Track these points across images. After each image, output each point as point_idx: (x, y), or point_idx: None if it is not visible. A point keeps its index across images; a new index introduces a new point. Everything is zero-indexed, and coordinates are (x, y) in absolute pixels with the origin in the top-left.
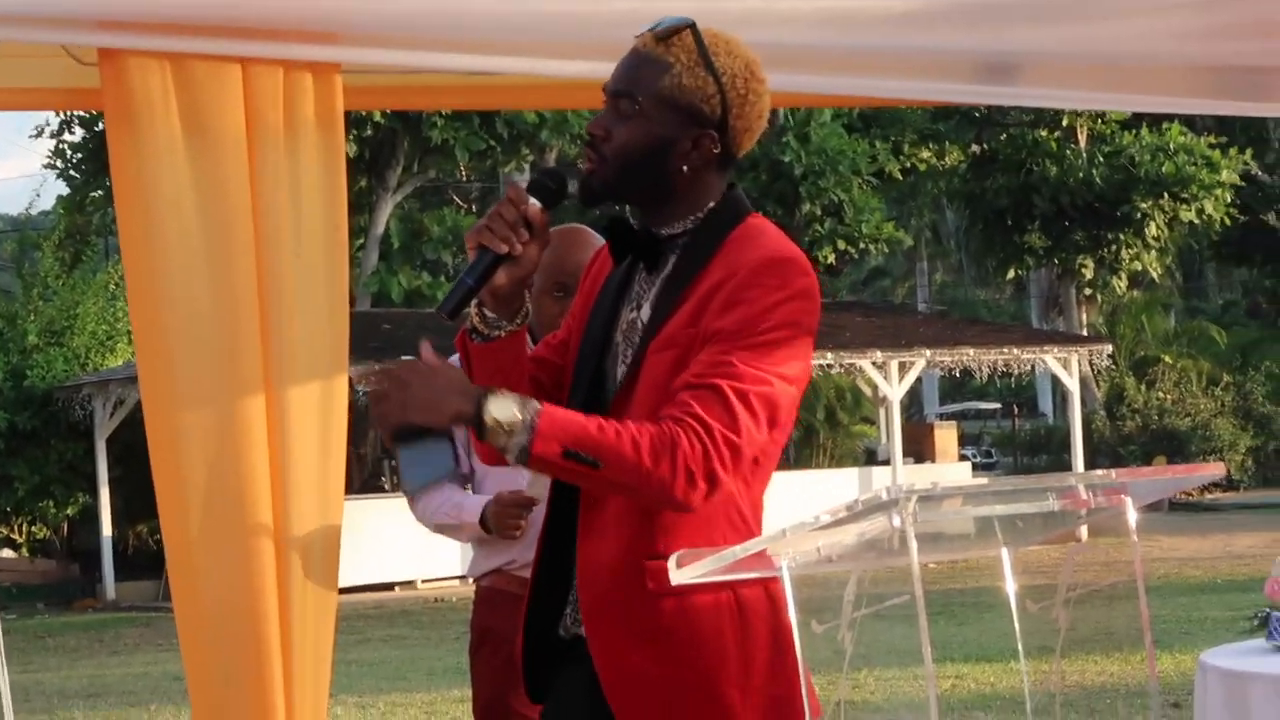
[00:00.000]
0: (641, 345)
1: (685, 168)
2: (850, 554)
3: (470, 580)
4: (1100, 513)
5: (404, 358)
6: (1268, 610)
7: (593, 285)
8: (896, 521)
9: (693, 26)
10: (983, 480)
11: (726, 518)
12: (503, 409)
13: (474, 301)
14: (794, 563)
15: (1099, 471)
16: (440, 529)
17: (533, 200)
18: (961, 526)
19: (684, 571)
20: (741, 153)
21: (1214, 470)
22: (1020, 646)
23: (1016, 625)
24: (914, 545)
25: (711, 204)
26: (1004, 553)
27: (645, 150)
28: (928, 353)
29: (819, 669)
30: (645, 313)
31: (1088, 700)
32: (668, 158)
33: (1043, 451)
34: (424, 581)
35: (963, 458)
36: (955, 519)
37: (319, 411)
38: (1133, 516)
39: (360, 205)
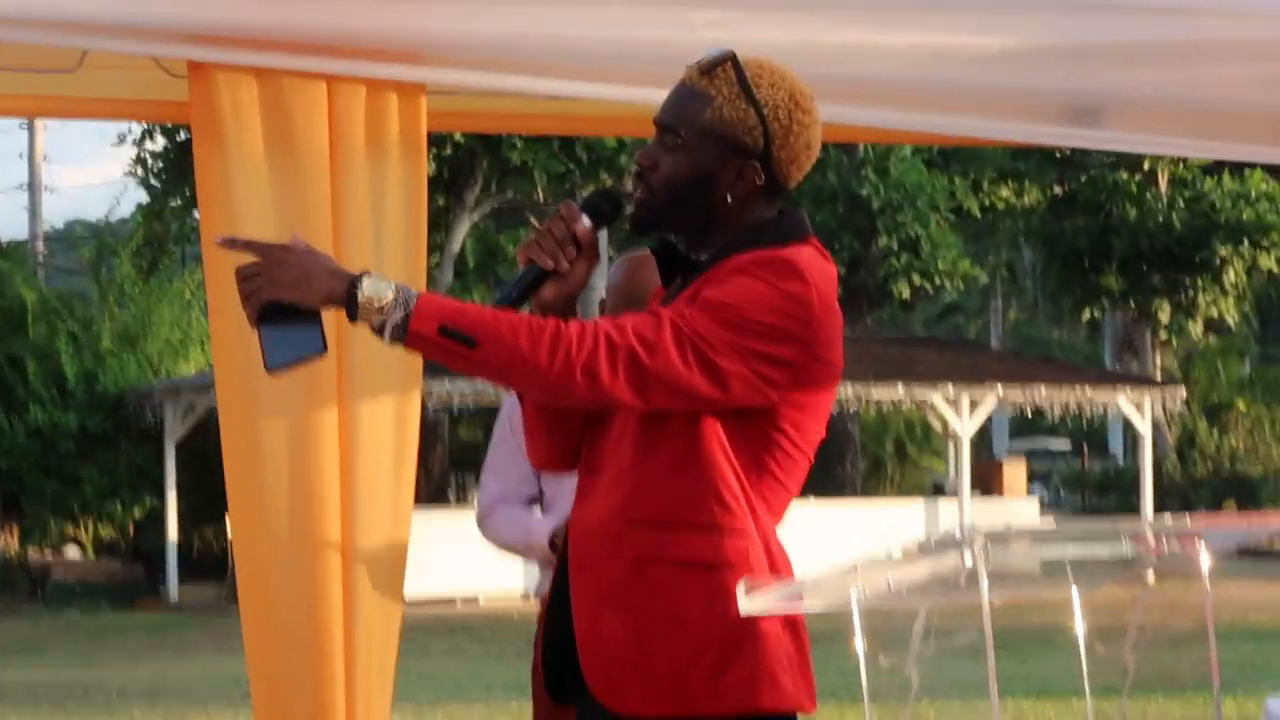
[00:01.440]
0: None
1: (729, 197)
2: (918, 589)
3: (534, 598)
4: (1173, 559)
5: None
6: None
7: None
8: (968, 561)
9: (734, 59)
10: (1052, 521)
11: (716, 496)
12: (375, 287)
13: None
14: (864, 595)
15: (1173, 516)
16: (508, 549)
17: (585, 219)
18: (1031, 566)
19: (753, 602)
20: (791, 183)
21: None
22: (1086, 686)
23: (1084, 665)
24: (985, 584)
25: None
26: (1074, 592)
27: (689, 181)
28: (1000, 388)
29: (881, 699)
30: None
31: None
32: (712, 188)
33: (1112, 492)
34: (486, 597)
35: (1030, 494)
36: (1025, 559)
37: (391, 426)
38: (1206, 563)
39: (437, 223)
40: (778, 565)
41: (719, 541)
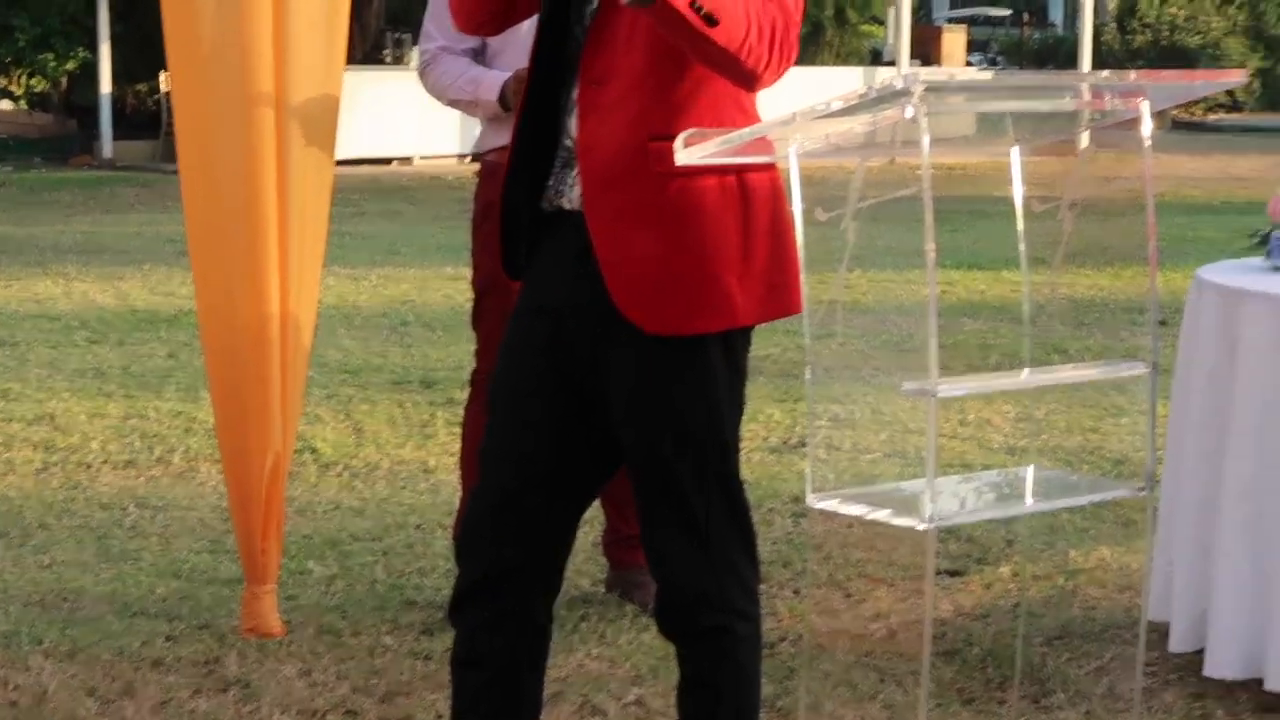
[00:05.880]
0: None
1: None
2: (857, 145)
3: (471, 158)
4: (1115, 115)
5: None
6: (1269, 229)
7: None
8: (909, 112)
9: None
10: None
11: (735, 102)
12: None
13: None
14: (802, 149)
15: (1115, 72)
16: (454, 104)
17: None
18: (970, 125)
19: (690, 152)
20: None
21: (1235, 76)
22: (1022, 249)
23: (1021, 227)
24: (926, 137)
25: None
26: (1014, 152)
27: None
28: None
29: (813, 267)
30: None
31: (1076, 312)
32: None
33: (1050, 61)
34: (421, 158)
35: (969, 64)
36: (966, 113)
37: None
38: (1148, 124)
39: None
40: None
41: None
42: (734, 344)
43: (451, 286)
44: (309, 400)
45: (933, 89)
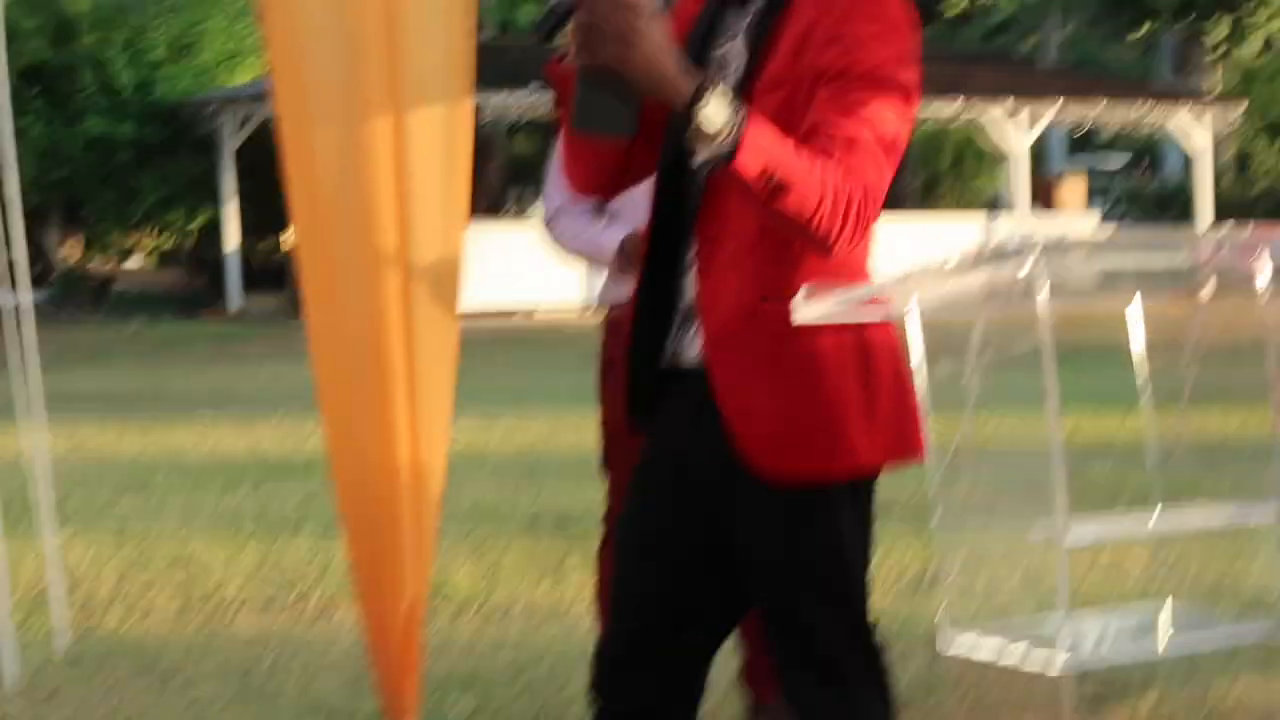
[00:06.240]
0: (745, 83)
1: None
2: (975, 301)
3: (594, 310)
4: (1231, 271)
5: None
6: None
7: (682, 19)
8: (1025, 270)
9: None
10: (1110, 231)
11: (848, 259)
12: (714, 111)
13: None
14: (921, 304)
15: (1231, 227)
16: (576, 254)
17: None
18: (1088, 279)
19: (809, 310)
20: None
21: None
22: (1145, 392)
23: (1144, 371)
24: (1043, 294)
25: None
26: (1136, 298)
27: None
28: (1060, 100)
29: (939, 409)
30: (738, 47)
31: (1206, 453)
32: None
33: (1170, 208)
34: (544, 309)
35: (1090, 209)
36: (1082, 271)
37: (442, 136)
38: (1265, 277)
39: None
40: None
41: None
42: (860, 491)
43: (580, 431)
44: (443, 542)
45: (1049, 247)
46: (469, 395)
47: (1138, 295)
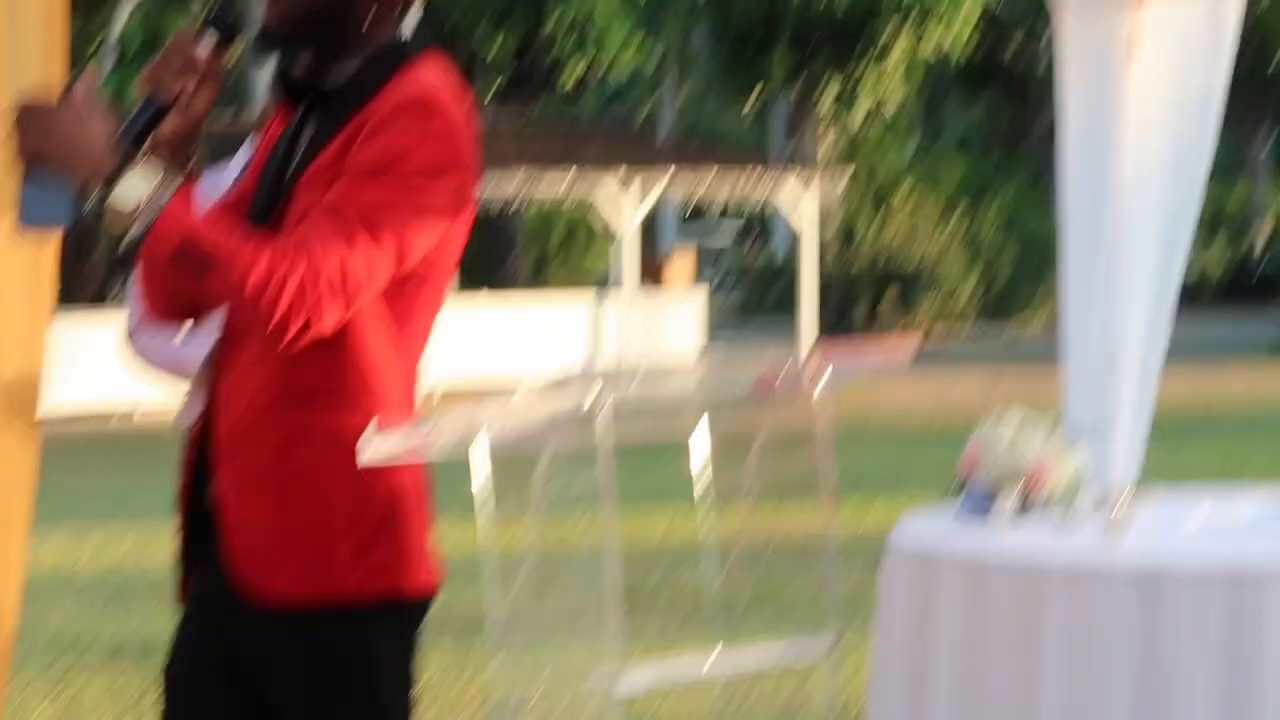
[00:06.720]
0: (289, 182)
1: (367, 19)
2: (545, 428)
3: (179, 429)
4: (793, 394)
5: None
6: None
7: (269, 138)
8: (587, 404)
9: None
10: (683, 358)
11: (360, 367)
12: (125, 189)
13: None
14: (494, 436)
15: (799, 354)
16: (160, 370)
17: (207, 42)
18: (655, 407)
19: (375, 449)
20: None
21: (907, 346)
22: (699, 492)
23: (707, 474)
24: (604, 428)
25: (377, 48)
26: (702, 423)
27: (325, 2)
28: (671, 169)
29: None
30: (303, 144)
31: (769, 550)
32: (350, 8)
33: (776, 283)
34: (144, 410)
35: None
36: (649, 399)
37: (26, 250)
38: (824, 392)
39: (94, 5)
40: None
41: (364, 417)
42: (384, 617)
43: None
44: (22, 676)
45: (610, 378)
46: (59, 508)
47: (703, 419)
